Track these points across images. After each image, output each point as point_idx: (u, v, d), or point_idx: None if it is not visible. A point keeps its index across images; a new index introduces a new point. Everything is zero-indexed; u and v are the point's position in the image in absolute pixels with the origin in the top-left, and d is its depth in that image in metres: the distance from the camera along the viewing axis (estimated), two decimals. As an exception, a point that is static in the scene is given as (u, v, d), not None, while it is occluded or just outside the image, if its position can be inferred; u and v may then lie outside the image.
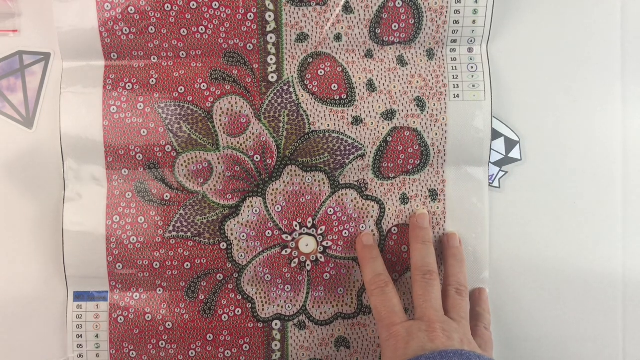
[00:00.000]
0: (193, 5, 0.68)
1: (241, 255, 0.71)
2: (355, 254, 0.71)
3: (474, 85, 0.70)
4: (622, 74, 0.73)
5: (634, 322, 0.74)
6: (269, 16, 0.69)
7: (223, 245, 0.70)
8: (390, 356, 0.61)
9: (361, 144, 0.70)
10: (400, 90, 0.70)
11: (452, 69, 0.70)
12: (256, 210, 0.70)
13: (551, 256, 0.74)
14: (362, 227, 0.71)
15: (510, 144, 0.73)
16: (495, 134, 0.72)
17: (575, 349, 0.74)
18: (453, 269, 0.69)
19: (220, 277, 0.71)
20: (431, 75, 0.70)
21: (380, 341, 0.64)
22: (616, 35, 0.73)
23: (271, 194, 0.70)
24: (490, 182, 0.73)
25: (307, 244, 0.71)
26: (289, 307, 0.72)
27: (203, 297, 0.71)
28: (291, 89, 0.70)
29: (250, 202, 0.70)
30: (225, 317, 0.71)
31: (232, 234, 0.70)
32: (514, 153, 0.73)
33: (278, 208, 0.71)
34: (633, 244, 0.74)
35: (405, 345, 0.60)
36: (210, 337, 0.71)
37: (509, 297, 0.73)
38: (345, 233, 0.71)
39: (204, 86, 0.69)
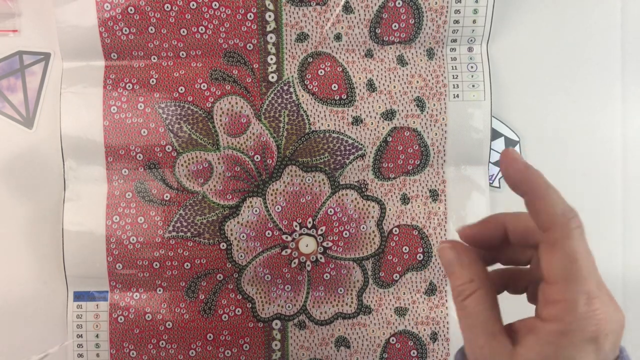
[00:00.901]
0: (193, 5, 0.68)
1: (241, 256, 0.71)
2: (356, 255, 0.71)
3: (473, 85, 0.70)
4: (622, 74, 0.73)
5: (634, 322, 0.74)
6: (269, 16, 0.69)
7: (223, 246, 0.70)
8: (593, 351, 0.42)
9: (361, 144, 0.70)
10: (400, 90, 0.70)
11: (452, 69, 0.70)
12: (256, 211, 0.70)
13: (551, 256, 0.73)
14: (363, 227, 0.71)
15: (510, 144, 0.73)
16: (495, 134, 0.72)
17: (575, 349, 0.74)
18: None
19: (220, 277, 0.71)
20: (431, 75, 0.70)
21: (566, 311, 0.42)
22: (616, 35, 0.73)
23: (271, 194, 0.70)
24: (491, 182, 0.73)
25: (307, 245, 0.71)
26: (289, 306, 0.72)
27: (203, 297, 0.71)
28: (291, 89, 0.70)
29: (250, 202, 0.70)
30: (225, 317, 0.71)
31: (231, 234, 0.70)
32: (514, 153, 0.73)
33: (278, 208, 0.71)
34: (633, 244, 0.74)
35: (604, 340, 0.42)
36: (210, 336, 0.71)
37: (509, 296, 0.73)
38: (346, 234, 0.71)
39: (204, 86, 0.69)
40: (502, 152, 0.47)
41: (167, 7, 0.68)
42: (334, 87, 0.70)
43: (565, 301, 0.42)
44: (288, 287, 0.71)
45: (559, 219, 0.43)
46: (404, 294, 0.72)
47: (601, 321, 0.41)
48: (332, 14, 0.68)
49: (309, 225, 0.71)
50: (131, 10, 0.68)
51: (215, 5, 0.68)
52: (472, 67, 0.71)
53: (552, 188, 0.44)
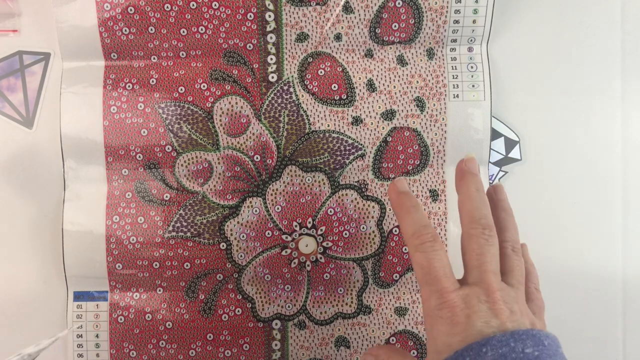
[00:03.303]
0: (193, 5, 0.68)
1: (241, 256, 0.71)
2: (356, 255, 0.71)
3: (473, 86, 0.70)
4: (622, 73, 0.73)
5: (634, 322, 0.74)
6: (269, 16, 0.69)
7: (223, 246, 0.70)
8: (446, 331, 0.51)
9: (361, 144, 0.70)
10: (400, 90, 0.70)
11: (452, 69, 0.70)
12: (256, 211, 0.70)
13: (551, 256, 0.74)
14: (363, 227, 0.71)
15: (510, 144, 0.73)
16: (495, 134, 0.72)
17: (575, 349, 0.74)
18: (506, 222, 0.59)
19: (220, 277, 0.71)
20: (431, 75, 0.70)
21: (427, 308, 0.54)
22: (616, 35, 0.73)
23: (271, 194, 0.70)
24: (491, 182, 0.73)
25: (307, 245, 0.71)
26: (289, 306, 0.72)
27: (203, 297, 0.71)
28: (291, 89, 0.70)
29: (250, 202, 0.70)
30: (225, 317, 0.71)
31: (231, 234, 0.70)
32: (514, 153, 0.73)
33: (278, 208, 0.71)
34: (633, 244, 0.74)
35: (465, 320, 0.50)
36: (210, 336, 0.71)
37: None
38: (346, 234, 0.71)
39: (204, 86, 0.69)
40: (390, 185, 0.60)
41: (167, 7, 0.68)
42: (334, 87, 0.70)
43: (426, 297, 0.53)
44: (288, 287, 0.71)
45: (409, 239, 0.55)
46: (404, 294, 0.72)
47: (454, 307, 0.51)
48: (332, 14, 0.68)
49: (309, 225, 0.71)
50: (131, 10, 0.68)
51: (215, 5, 0.68)
52: (472, 67, 0.71)
53: (415, 212, 0.57)
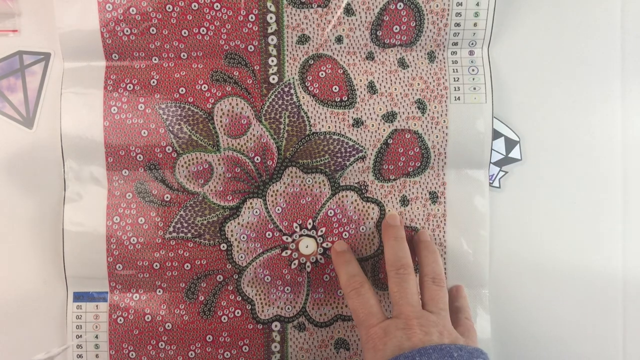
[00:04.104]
0: (194, 6, 0.68)
1: (241, 257, 0.71)
2: (356, 256, 0.71)
3: (475, 88, 0.70)
4: (622, 74, 0.73)
5: (634, 322, 0.74)
6: (270, 18, 0.68)
7: (223, 247, 0.70)
8: (370, 357, 0.61)
9: (362, 146, 0.70)
10: (401, 93, 0.70)
11: (453, 72, 0.70)
12: (256, 212, 0.70)
13: (551, 256, 0.74)
14: (362, 228, 0.71)
15: (510, 144, 0.73)
16: (495, 134, 0.72)
17: (575, 349, 0.74)
18: (426, 259, 0.68)
19: (220, 278, 0.71)
20: (432, 77, 0.70)
21: (361, 343, 0.64)
22: (616, 35, 0.73)
23: (271, 196, 0.70)
24: (490, 182, 0.73)
25: (307, 246, 0.71)
26: (288, 308, 0.72)
27: (203, 298, 0.71)
28: (292, 91, 0.69)
29: (251, 203, 0.70)
30: (224, 319, 0.71)
31: (232, 235, 0.70)
32: (514, 153, 0.73)
33: (278, 209, 0.70)
34: (633, 244, 0.74)
35: (383, 346, 0.60)
36: (209, 338, 0.71)
37: (509, 297, 0.74)
38: (345, 235, 0.71)
39: (204, 87, 0.69)
40: (332, 247, 0.72)
41: (169, 8, 0.68)
42: (335, 89, 0.70)
43: (360, 334, 0.64)
44: (288, 289, 0.72)
45: (343, 288, 0.67)
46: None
47: (375, 338, 0.61)
48: (333, 16, 0.68)
49: (309, 227, 0.71)
50: (133, 10, 0.68)
51: (217, 6, 0.68)
52: (473, 70, 0.70)
53: (347, 265, 0.68)
